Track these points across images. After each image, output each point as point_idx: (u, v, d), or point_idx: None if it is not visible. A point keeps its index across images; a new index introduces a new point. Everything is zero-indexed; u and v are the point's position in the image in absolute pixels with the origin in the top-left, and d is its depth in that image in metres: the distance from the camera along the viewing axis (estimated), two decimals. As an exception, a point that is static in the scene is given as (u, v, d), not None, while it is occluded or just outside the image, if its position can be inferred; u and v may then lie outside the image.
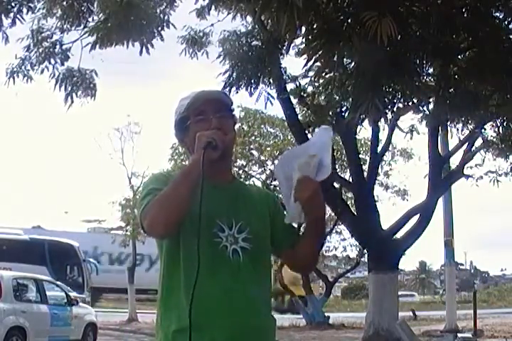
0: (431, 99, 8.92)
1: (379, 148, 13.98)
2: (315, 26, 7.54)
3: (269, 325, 2.40)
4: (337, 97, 8.95)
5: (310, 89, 11.70)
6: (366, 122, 9.52)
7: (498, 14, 8.60)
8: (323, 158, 2.38)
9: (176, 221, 2.24)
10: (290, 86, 12.25)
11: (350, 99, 8.00)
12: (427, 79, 8.84)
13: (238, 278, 2.29)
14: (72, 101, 10.92)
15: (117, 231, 31.70)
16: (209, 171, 2.28)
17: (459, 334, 13.89)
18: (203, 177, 2.22)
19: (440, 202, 14.80)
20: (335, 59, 7.78)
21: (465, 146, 13.44)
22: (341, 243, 24.99)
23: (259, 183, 21.13)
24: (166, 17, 10.83)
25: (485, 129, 12.45)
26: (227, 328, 2.24)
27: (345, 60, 8.04)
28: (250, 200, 2.43)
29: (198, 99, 2.38)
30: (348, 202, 15.29)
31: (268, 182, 21.45)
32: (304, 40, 8.06)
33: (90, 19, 10.76)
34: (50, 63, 11.05)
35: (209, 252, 2.26)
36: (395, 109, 8.68)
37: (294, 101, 12.63)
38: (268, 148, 21.69)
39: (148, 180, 2.47)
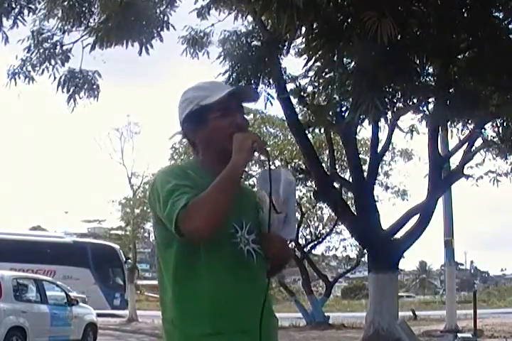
0: (431, 99, 8.93)
1: (379, 148, 13.97)
2: (315, 26, 7.56)
3: (277, 325, 2.41)
4: (337, 97, 8.96)
5: (310, 89, 11.70)
6: (366, 122, 9.53)
7: (498, 14, 8.61)
8: (289, 216, 2.35)
9: (220, 224, 2.17)
10: (290, 86, 12.27)
11: (350, 99, 8.00)
12: (427, 79, 8.85)
13: (256, 280, 2.27)
14: (76, 103, 10.93)
15: (117, 231, 31.77)
16: (220, 171, 2.23)
17: (459, 334, 13.86)
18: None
19: (440, 202, 14.79)
20: (335, 59, 7.79)
21: (465, 146, 13.43)
22: (341, 243, 24.96)
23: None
24: (165, 17, 10.84)
25: (485, 129, 12.46)
26: (252, 331, 2.21)
27: (345, 60, 8.06)
28: (250, 201, 2.38)
29: (229, 94, 2.30)
30: (348, 202, 15.27)
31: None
32: (303, 40, 8.08)
33: (91, 20, 10.77)
34: (50, 64, 11.06)
35: (230, 254, 2.23)
36: (395, 109, 8.70)
37: (294, 101, 12.64)
38: (268, 148, 21.61)
39: (165, 174, 2.29)
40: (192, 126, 2.35)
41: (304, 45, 8.17)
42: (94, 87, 11.20)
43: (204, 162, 2.35)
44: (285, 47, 10.25)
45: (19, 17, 10.34)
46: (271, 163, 2.31)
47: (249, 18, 10.66)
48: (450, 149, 14.18)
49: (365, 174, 13.48)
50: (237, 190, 2.19)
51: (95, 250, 27.00)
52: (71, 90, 10.94)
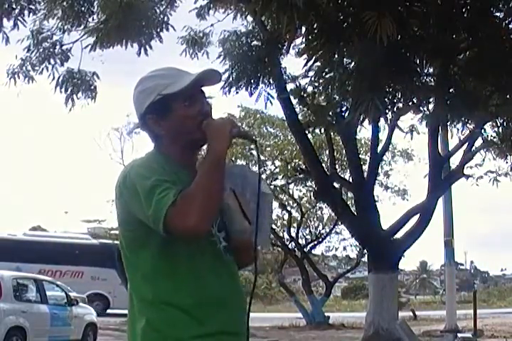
0: (431, 99, 8.93)
1: (379, 148, 13.97)
2: (315, 26, 7.56)
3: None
4: (337, 97, 8.95)
5: (310, 89, 11.69)
6: (366, 122, 9.53)
7: (498, 14, 8.61)
8: (260, 226, 2.20)
9: (214, 218, 2.09)
10: (290, 86, 12.26)
11: (350, 99, 8.00)
12: (427, 79, 8.85)
13: (235, 279, 2.20)
14: (73, 104, 10.94)
15: (117, 231, 31.87)
16: (190, 160, 2.19)
17: (459, 334, 13.90)
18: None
19: (440, 202, 14.79)
20: (335, 59, 7.79)
21: (465, 146, 13.43)
22: (341, 243, 24.99)
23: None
24: (165, 18, 10.84)
25: (485, 129, 12.46)
26: (238, 333, 2.15)
27: (345, 60, 8.06)
28: None
29: (197, 81, 2.17)
30: (348, 202, 15.27)
31: (268, 182, 21.46)
32: (304, 40, 8.08)
33: (90, 19, 10.78)
34: (50, 64, 11.06)
35: (211, 251, 2.14)
36: (395, 109, 8.69)
37: (294, 101, 12.63)
38: (268, 148, 21.69)
39: (140, 169, 2.11)
40: (156, 117, 2.19)
41: (303, 45, 8.17)
42: (92, 88, 11.20)
43: (170, 154, 2.20)
44: (285, 47, 10.24)
45: (19, 18, 10.34)
46: (259, 149, 2.25)
47: (249, 18, 10.67)
48: (450, 149, 14.18)
49: (365, 174, 13.48)
50: (224, 180, 2.07)
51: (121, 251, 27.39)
52: (69, 90, 10.95)
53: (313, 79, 9.67)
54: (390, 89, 8.00)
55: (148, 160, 2.19)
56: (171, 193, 1.99)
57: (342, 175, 16.77)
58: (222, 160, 2.08)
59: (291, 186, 22.13)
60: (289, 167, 20.16)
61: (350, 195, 16.87)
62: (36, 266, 23.12)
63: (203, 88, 2.25)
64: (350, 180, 14.04)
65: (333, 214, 19.91)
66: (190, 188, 2.01)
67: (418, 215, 13.07)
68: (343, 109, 10.05)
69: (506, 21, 8.63)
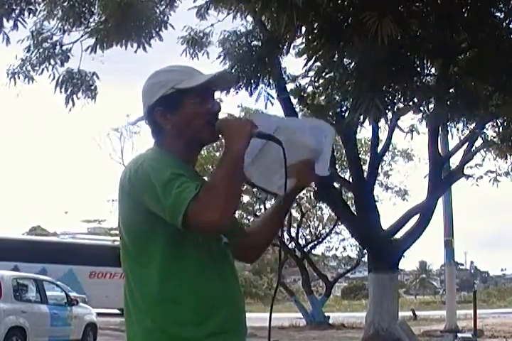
0: (431, 99, 8.93)
1: (379, 148, 13.98)
2: (315, 26, 7.56)
3: None
4: (337, 97, 8.96)
5: (310, 89, 11.71)
6: (366, 122, 9.53)
7: (498, 14, 8.61)
8: (325, 156, 2.37)
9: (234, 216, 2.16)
10: (290, 86, 12.27)
11: (350, 99, 8.00)
12: (427, 79, 8.85)
13: (236, 278, 2.21)
14: (74, 104, 10.93)
15: (117, 231, 31.96)
16: (191, 158, 2.22)
17: (459, 334, 13.89)
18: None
19: (440, 202, 14.80)
20: (335, 59, 7.80)
21: (465, 146, 13.44)
22: (341, 243, 24.99)
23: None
24: (165, 17, 10.84)
25: (486, 129, 12.47)
26: (242, 331, 2.17)
27: (345, 60, 8.05)
28: None
29: (211, 81, 2.18)
30: (348, 202, 15.28)
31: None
32: (303, 40, 8.08)
33: (91, 20, 10.78)
34: (50, 64, 11.06)
35: (216, 248, 2.14)
36: (395, 109, 8.69)
37: (294, 101, 12.63)
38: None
39: (154, 162, 2.08)
40: (165, 110, 2.18)
41: (304, 45, 8.17)
42: (92, 88, 11.20)
43: (172, 150, 2.18)
44: (285, 47, 10.24)
45: (19, 18, 10.34)
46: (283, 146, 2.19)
47: (249, 18, 10.66)
48: (450, 149, 14.19)
49: (365, 174, 13.48)
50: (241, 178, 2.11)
51: None
52: (69, 91, 10.95)
53: (313, 79, 9.69)
54: (390, 89, 8.00)
55: (157, 154, 2.17)
56: (192, 186, 1.97)
57: (342, 175, 16.78)
58: (242, 159, 2.07)
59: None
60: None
61: (350, 195, 16.87)
62: (87, 268, 23.92)
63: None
64: (350, 180, 14.05)
65: (333, 214, 19.90)
66: (213, 184, 2.00)
67: (418, 215, 13.08)
68: (343, 109, 10.06)
69: (506, 21, 8.64)
